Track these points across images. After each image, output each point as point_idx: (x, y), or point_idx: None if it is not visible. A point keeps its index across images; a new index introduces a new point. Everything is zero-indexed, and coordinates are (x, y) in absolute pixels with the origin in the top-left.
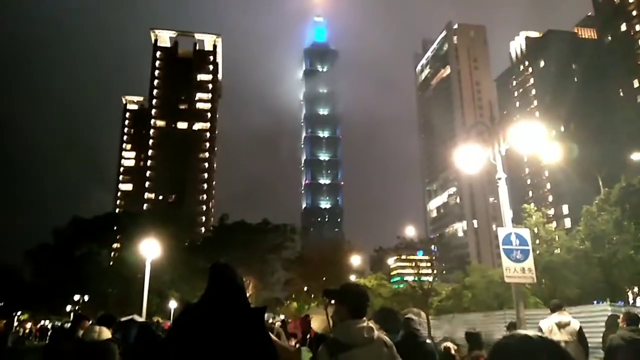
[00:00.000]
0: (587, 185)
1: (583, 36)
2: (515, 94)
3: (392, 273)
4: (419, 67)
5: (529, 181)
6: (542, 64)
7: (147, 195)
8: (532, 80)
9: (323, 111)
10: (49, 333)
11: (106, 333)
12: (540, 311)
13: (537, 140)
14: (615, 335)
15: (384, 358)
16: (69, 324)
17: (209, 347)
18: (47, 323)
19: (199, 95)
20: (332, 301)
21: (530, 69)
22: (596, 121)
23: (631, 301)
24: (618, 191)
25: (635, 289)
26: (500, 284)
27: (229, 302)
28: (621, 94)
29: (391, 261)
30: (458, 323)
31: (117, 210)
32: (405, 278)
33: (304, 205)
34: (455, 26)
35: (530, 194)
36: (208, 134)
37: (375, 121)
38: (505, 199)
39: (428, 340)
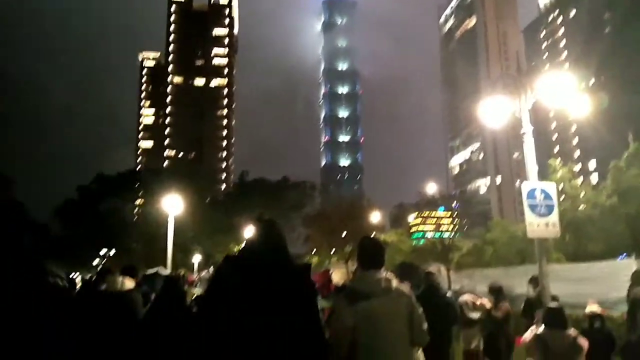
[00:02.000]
0: (616, 140)
1: None
2: (544, 45)
3: (412, 230)
4: (442, 18)
5: (555, 136)
6: (572, 13)
7: (167, 152)
8: (561, 31)
9: (342, 66)
10: (77, 286)
11: (129, 283)
12: (563, 266)
13: (566, 92)
14: (639, 289)
15: (403, 307)
16: (95, 277)
17: (252, 301)
18: (76, 276)
19: (215, 51)
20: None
21: (560, 19)
22: (628, 74)
23: None
24: None
25: None
26: (522, 239)
27: (274, 258)
28: None
29: (411, 218)
30: (478, 278)
31: (138, 167)
32: (426, 234)
33: (323, 163)
34: None
35: (556, 149)
36: (225, 91)
37: (396, 76)
38: (531, 154)
39: (448, 294)
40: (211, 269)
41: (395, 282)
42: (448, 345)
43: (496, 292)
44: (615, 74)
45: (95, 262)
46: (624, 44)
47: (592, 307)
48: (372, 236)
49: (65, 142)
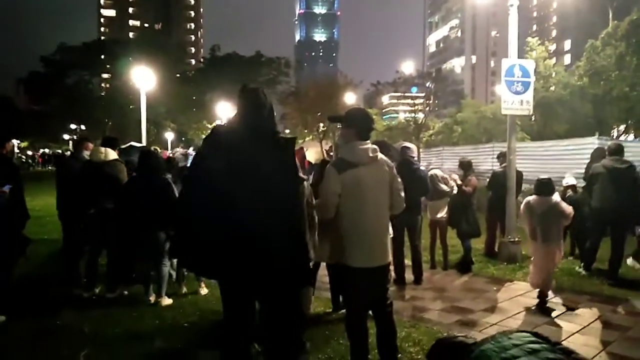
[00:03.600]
0: (597, 20)
1: None
2: None
3: (385, 110)
4: None
5: (534, 14)
6: None
7: (131, 22)
8: None
9: None
10: (52, 159)
11: (112, 154)
12: (528, 144)
13: None
14: (598, 164)
15: (386, 175)
16: (72, 148)
17: (238, 168)
18: (48, 151)
19: None
20: (338, 125)
21: None
22: None
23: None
24: (627, 24)
25: (622, 127)
26: (491, 119)
27: (261, 128)
28: None
29: (386, 99)
30: (446, 155)
31: (102, 38)
32: (399, 114)
33: (297, 38)
34: None
35: (535, 27)
36: None
37: None
38: (514, 28)
39: (422, 167)
40: (189, 148)
41: (380, 153)
42: (418, 213)
43: (466, 167)
44: None
45: (66, 137)
46: None
47: (569, 179)
48: (361, 108)
49: (22, 9)
